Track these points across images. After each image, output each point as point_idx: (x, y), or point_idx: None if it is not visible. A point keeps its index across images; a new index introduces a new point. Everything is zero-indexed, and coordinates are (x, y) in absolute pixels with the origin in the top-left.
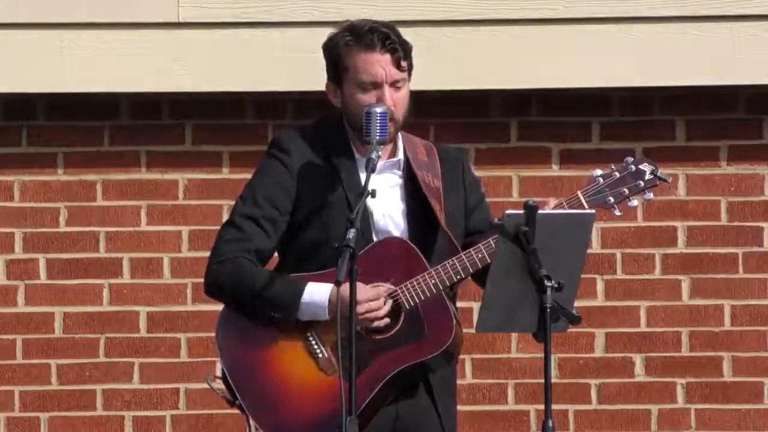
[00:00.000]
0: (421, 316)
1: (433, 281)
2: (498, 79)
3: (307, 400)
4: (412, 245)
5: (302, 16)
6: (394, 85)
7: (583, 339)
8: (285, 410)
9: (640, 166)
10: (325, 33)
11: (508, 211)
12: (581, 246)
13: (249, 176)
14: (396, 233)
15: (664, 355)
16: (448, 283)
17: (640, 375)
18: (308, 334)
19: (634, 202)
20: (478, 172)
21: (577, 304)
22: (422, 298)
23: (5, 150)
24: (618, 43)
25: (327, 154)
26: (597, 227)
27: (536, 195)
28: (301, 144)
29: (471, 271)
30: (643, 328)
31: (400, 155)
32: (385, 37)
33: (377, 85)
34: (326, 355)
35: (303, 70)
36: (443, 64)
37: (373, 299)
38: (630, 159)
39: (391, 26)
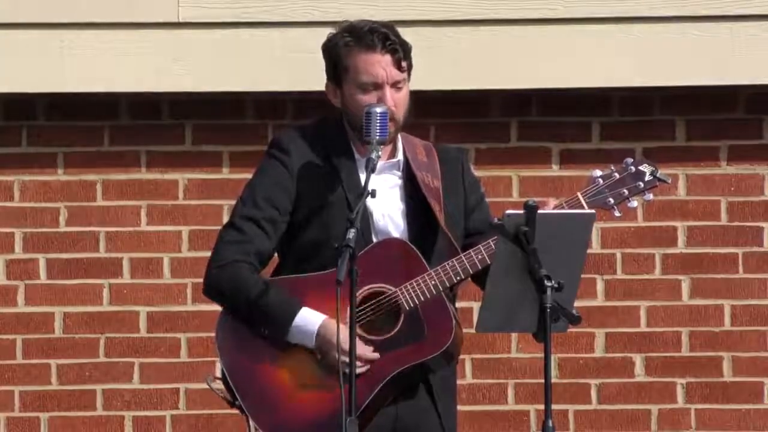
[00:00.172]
0: (420, 317)
1: (432, 282)
2: (498, 79)
3: (306, 400)
4: (412, 246)
5: (302, 16)
6: (395, 85)
7: (583, 339)
8: (285, 411)
9: (640, 167)
10: (325, 33)
11: (508, 211)
12: (581, 246)
13: (249, 176)
14: (396, 234)
15: (664, 355)
16: (447, 284)
17: (640, 375)
18: None
19: (634, 203)
20: (478, 172)
21: (577, 304)
22: (422, 299)
23: (5, 150)
24: (618, 43)
25: (327, 154)
26: (597, 227)
27: (536, 195)
28: (301, 144)
29: (471, 272)
30: (643, 328)
31: (400, 156)
32: (385, 37)
33: (378, 86)
34: None
35: (303, 70)
36: (443, 64)
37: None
38: (630, 160)
39: (391, 26)
